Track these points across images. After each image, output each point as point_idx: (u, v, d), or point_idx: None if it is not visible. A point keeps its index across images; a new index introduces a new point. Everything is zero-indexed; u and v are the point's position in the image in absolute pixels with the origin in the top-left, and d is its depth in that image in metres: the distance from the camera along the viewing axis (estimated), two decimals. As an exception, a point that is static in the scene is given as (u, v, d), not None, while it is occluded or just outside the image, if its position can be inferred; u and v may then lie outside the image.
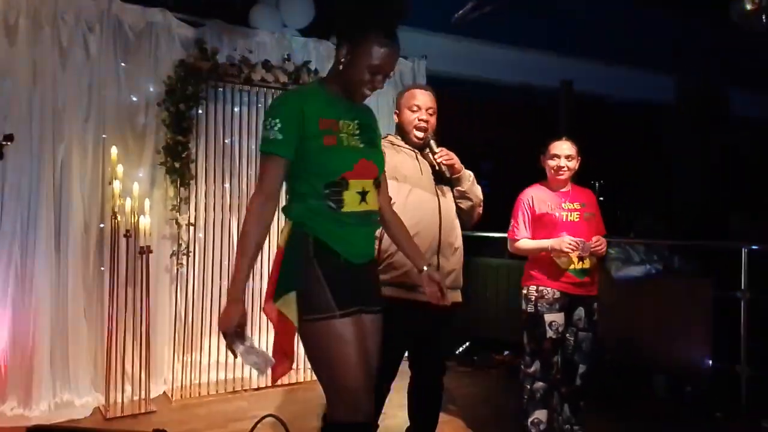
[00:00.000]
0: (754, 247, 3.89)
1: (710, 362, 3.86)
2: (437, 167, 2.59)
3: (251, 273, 1.92)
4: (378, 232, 2.17)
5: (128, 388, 3.74)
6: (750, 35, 4.35)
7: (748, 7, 4.06)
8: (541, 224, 2.99)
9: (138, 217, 3.66)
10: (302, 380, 4.28)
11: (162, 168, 3.96)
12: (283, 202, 1.98)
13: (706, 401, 3.87)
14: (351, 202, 1.88)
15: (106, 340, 3.66)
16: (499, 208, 3.30)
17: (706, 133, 6.90)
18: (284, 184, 1.93)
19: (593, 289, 3.01)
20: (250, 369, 4.18)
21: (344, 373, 1.80)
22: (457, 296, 2.56)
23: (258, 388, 4.16)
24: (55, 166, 3.67)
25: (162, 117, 3.97)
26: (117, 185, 3.61)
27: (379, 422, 2.37)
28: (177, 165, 3.92)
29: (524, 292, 3.02)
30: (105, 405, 3.64)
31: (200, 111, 4.08)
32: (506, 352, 4.94)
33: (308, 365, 4.39)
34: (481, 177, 2.78)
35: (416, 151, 2.62)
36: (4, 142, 2.80)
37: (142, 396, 3.71)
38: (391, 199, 2.20)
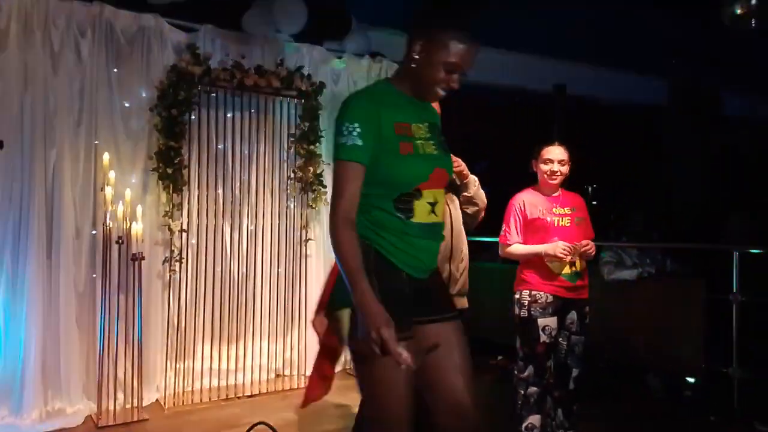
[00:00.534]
0: (745, 250, 3.91)
1: (703, 365, 3.88)
2: None
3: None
4: None
5: (120, 395, 3.71)
6: (741, 37, 4.38)
7: (738, 11, 4.11)
8: (533, 229, 3.00)
9: (130, 224, 3.65)
10: (295, 387, 4.27)
11: (154, 174, 3.94)
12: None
13: (700, 404, 3.88)
14: (420, 212, 1.75)
15: (98, 347, 3.64)
16: (490, 212, 3.30)
17: (701, 133, 6.93)
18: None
19: (585, 292, 3.02)
20: (243, 376, 4.22)
21: (387, 403, 1.69)
22: (463, 302, 2.57)
23: (251, 395, 4.14)
24: (46, 171, 3.64)
25: (154, 122, 3.96)
26: (109, 191, 3.59)
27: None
28: (169, 170, 3.91)
29: (517, 296, 3.03)
30: (97, 413, 3.61)
31: (193, 116, 4.07)
32: (499, 357, 4.93)
33: (301, 371, 4.42)
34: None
35: None
36: (-6, 148, 2.79)
37: (135, 404, 3.68)
38: None
